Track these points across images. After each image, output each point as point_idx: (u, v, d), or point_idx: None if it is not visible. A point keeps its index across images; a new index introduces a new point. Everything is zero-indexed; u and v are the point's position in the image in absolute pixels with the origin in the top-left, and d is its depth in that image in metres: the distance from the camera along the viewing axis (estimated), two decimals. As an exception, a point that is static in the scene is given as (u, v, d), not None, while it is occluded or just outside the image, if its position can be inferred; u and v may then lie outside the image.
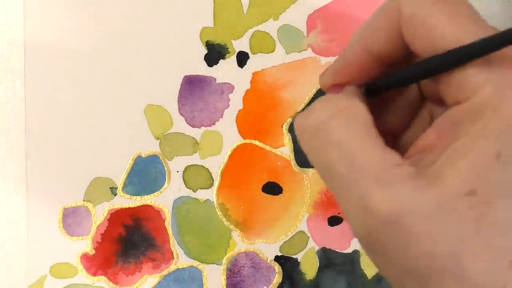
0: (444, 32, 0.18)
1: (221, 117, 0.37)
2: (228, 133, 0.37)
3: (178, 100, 0.37)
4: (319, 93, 0.37)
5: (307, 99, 0.37)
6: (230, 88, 0.37)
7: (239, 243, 0.37)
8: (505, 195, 0.16)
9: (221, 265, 0.37)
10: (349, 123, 0.19)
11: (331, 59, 0.37)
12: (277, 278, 0.37)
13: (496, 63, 0.17)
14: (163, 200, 0.37)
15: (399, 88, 0.21)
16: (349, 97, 0.20)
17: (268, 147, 0.37)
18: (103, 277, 0.37)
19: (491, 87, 0.17)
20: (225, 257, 0.37)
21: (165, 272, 0.37)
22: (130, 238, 0.37)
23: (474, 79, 0.17)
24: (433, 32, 0.18)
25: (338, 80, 0.21)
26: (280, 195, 0.37)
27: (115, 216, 0.37)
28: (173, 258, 0.37)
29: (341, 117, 0.19)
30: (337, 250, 0.37)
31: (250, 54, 0.37)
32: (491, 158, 0.17)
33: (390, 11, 0.19)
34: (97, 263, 0.37)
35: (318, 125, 0.19)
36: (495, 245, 0.16)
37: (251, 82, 0.37)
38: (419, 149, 0.19)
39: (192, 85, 0.37)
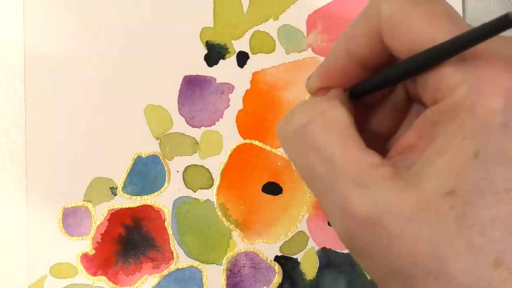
0: (420, 32, 0.18)
1: (221, 117, 0.37)
2: (228, 133, 0.37)
3: (178, 100, 0.37)
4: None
5: (307, 99, 0.37)
6: (230, 88, 0.37)
7: (239, 243, 0.37)
8: (485, 194, 0.16)
9: (221, 265, 0.37)
10: (327, 125, 0.19)
11: (331, 59, 0.37)
12: (277, 278, 0.37)
13: (471, 61, 0.17)
14: (163, 200, 0.37)
15: (381, 90, 0.21)
16: (329, 99, 0.20)
17: (268, 147, 0.37)
18: (103, 277, 0.37)
19: (466, 86, 0.17)
20: (225, 257, 0.37)
21: (165, 272, 0.37)
22: (130, 238, 0.37)
23: (450, 78, 0.17)
24: (410, 32, 0.18)
25: (324, 84, 0.22)
26: (280, 195, 0.37)
27: (115, 216, 0.37)
28: (173, 258, 0.37)
29: (319, 120, 0.19)
30: (337, 250, 0.37)
31: (250, 54, 0.37)
32: (469, 158, 0.17)
33: (371, 15, 0.19)
34: (97, 263, 0.37)
35: (298, 129, 0.20)
36: (477, 245, 0.16)
37: (251, 82, 0.37)
38: (400, 150, 0.19)
39: (192, 85, 0.37)
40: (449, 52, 0.17)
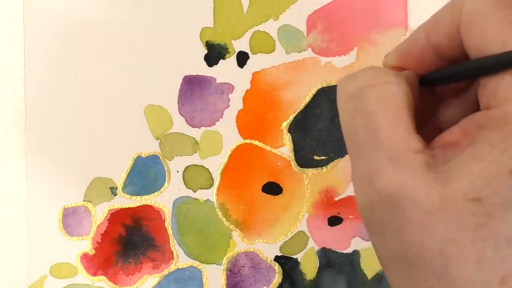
0: (494, 36, 0.18)
1: (221, 117, 0.37)
2: (228, 133, 0.37)
3: (178, 100, 0.37)
4: (319, 93, 0.37)
5: (307, 99, 0.37)
6: (230, 88, 0.37)
7: (239, 243, 0.37)
8: (510, 212, 0.16)
9: (221, 265, 0.37)
10: (385, 96, 0.19)
11: (331, 59, 0.37)
12: (277, 278, 0.37)
13: None
14: (163, 200, 0.37)
15: (445, 84, 0.21)
16: (397, 74, 0.20)
17: (268, 147, 0.37)
18: (103, 277, 0.37)
19: None
20: (225, 257, 0.37)
21: (165, 272, 0.37)
22: (130, 238, 0.37)
23: (507, 88, 0.17)
24: (484, 34, 0.18)
25: (399, 64, 0.22)
26: (280, 195, 0.37)
27: (115, 216, 0.37)
28: (173, 258, 0.37)
29: (379, 88, 0.19)
30: (337, 250, 0.37)
31: (250, 54, 0.37)
32: (504, 172, 0.16)
33: (455, 6, 0.19)
34: (97, 263, 0.37)
35: (357, 89, 0.20)
36: (488, 258, 0.16)
37: (251, 82, 0.37)
38: (443, 144, 0.19)
39: (192, 85, 0.37)
40: None
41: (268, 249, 0.37)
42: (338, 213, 0.37)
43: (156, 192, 0.37)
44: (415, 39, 0.21)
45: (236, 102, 0.37)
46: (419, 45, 0.21)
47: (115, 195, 0.37)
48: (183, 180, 0.37)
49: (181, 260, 0.37)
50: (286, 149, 0.37)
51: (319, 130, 0.37)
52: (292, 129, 0.37)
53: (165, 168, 0.37)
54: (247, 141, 0.37)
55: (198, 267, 0.37)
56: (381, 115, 0.19)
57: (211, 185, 0.37)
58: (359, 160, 0.19)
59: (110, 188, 0.37)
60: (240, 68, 0.37)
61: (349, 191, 0.37)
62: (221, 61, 0.37)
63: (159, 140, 0.37)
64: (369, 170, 0.18)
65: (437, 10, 0.21)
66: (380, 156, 0.18)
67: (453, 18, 0.19)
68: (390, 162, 0.18)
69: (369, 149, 0.19)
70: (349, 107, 0.20)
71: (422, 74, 0.21)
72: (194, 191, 0.37)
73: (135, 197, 0.37)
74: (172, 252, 0.37)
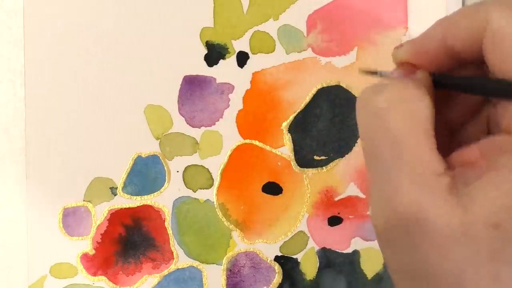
0: None
1: (221, 117, 0.37)
2: (228, 133, 0.37)
3: (178, 100, 0.37)
4: (319, 93, 0.37)
5: (307, 99, 0.37)
6: (230, 88, 0.37)
7: (239, 243, 0.37)
8: None
9: (221, 265, 0.37)
10: (410, 115, 0.19)
11: (331, 59, 0.37)
12: (277, 278, 0.37)
13: None
14: (163, 200, 0.37)
15: (461, 92, 0.21)
16: (419, 87, 0.20)
17: (268, 147, 0.37)
18: (103, 277, 0.37)
19: None
20: (225, 257, 0.37)
21: (165, 272, 0.37)
22: (130, 238, 0.37)
23: None
24: (510, 52, 0.18)
25: (411, 59, 0.21)
26: (280, 195, 0.37)
27: (115, 216, 0.37)
28: (173, 258, 0.37)
29: (404, 107, 0.19)
30: (337, 250, 0.37)
31: (250, 54, 0.37)
32: None
33: (478, 16, 0.19)
34: (97, 263, 0.37)
35: (381, 108, 0.19)
36: (503, 280, 0.16)
37: (251, 82, 0.37)
38: (461, 162, 0.19)
39: (192, 85, 0.37)
40: None
41: (268, 249, 0.37)
42: (338, 213, 0.37)
43: (156, 192, 0.37)
44: (431, 37, 0.21)
45: (236, 102, 0.37)
46: (435, 45, 0.21)
47: (115, 195, 0.37)
48: (183, 180, 0.37)
49: (181, 260, 0.37)
50: (286, 149, 0.37)
51: (319, 130, 0.37)
52: (292, 129, 0.37)
53: (165, 168, 0.37)
54: (247, 141, 0.37)
55: (198, 267, 0.37)
56: (406, 134, 0.19)
57: (211, 185, 0.37)
58: (378, 177, 0.19)
59: (110, 188, 0.37)
60: (240, 68, 0.37)
61: (349, 191, 0.37)
62: (221, 61, 0.37)
63: (159, 140, 0.37)
64: (389, 188, 0.18)
65: (457, 11, 0.20)
66: (401, 176, 0.18)
67: (475, 27, 0.19)
68: (412, 183, 0.18)
69: (391, 166, 0.18)
70: (372, 122, 0.20)
71: (436, 75, 0.21)
72: (194, 191, 0.37)
73: (135, 197, 0.37)
74: (172, 252, 0.37)
